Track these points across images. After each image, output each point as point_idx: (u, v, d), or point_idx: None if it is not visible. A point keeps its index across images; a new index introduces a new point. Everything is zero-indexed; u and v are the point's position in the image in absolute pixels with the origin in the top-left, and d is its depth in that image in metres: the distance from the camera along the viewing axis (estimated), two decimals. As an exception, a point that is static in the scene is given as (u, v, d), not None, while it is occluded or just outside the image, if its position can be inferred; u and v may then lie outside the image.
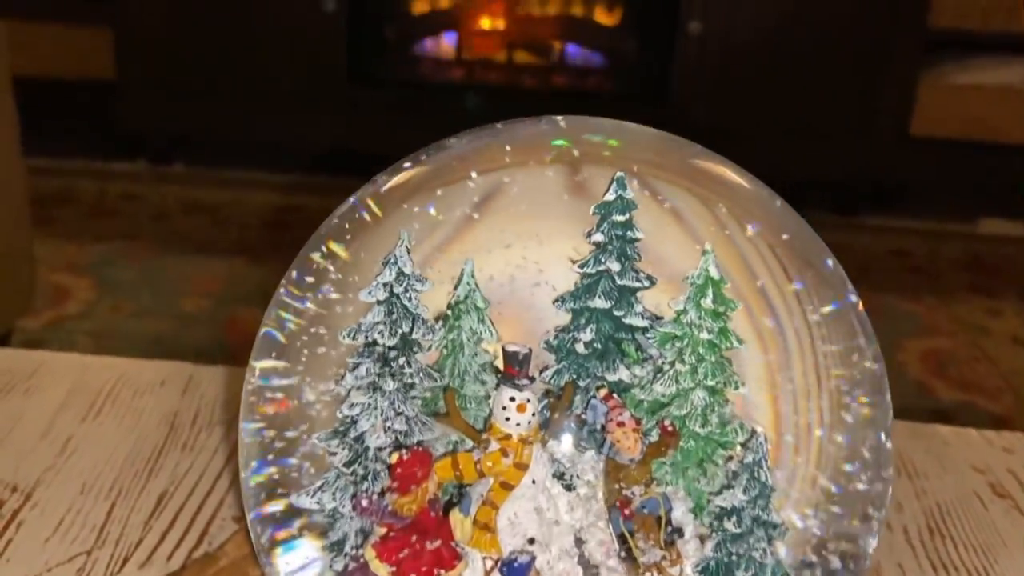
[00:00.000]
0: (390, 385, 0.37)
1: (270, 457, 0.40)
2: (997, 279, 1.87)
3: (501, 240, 0.41)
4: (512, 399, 0.36)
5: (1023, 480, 0.52)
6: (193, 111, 2.09)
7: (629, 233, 0.40)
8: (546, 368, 0.40)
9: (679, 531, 0.38)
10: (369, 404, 0.37)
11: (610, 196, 0.40)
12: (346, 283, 0.40)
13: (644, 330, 0.40)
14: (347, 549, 0.39)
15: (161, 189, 2.05)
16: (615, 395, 0.39)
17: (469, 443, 0.38)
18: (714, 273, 0.38)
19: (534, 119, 0.44)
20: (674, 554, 0.37)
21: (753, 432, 0.39)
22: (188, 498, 0.43)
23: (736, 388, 0.39)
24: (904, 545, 0.47)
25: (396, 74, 2.14)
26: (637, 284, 0.40)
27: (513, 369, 0.37)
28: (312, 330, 0.40)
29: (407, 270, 0.37)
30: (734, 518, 0.37)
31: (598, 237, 0.40)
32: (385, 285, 0.37)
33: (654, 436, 0.38)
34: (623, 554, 0.37)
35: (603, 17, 2.15)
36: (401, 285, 0.37)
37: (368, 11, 2.08)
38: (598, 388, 0.39)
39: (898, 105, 2.03)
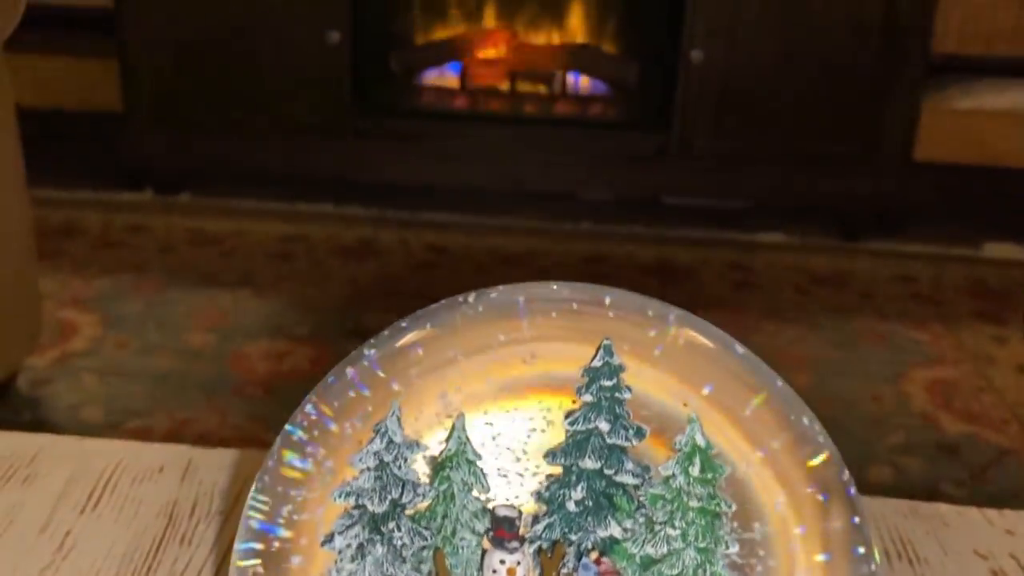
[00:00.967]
0: (379, 550, 0.37)
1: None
2: (1002, 305, 1.87)
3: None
4: (502, 562, 0.37)
5: None
6: (199, 142, 2.10)
7: (617, 394, 0.40)
8: (536, 520, 0.41)
9: None
10: (357, 571, 0.37)
11: (597, 362, 0.40)
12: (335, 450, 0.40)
13: (636, 486, 0.41)
14: None
15: (167, 220, 2.06)
16: (606, 557, 0.39)
17: None
18: (700, 441, 0.39)
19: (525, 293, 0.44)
20: None
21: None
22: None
23: (727, 548, 0.39)
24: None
25: (400, 104, 2.15)
26: (626, 443, 0.40)
27: (503, 532, 0.37)
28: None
29: (397, 439, 0.38)
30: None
31: (587, 397, 0.41)
32: (375, 454, 0.38)
33: None
34: None
35: (605, 46, 2.16)
36: (391, 454, 0.38)
37: (372, 42, 2.09)
38: (589, 551, 0.39)
39: (901, 130, 2.03)
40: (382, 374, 0.41)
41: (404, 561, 0.37)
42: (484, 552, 0.38)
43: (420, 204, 2.17)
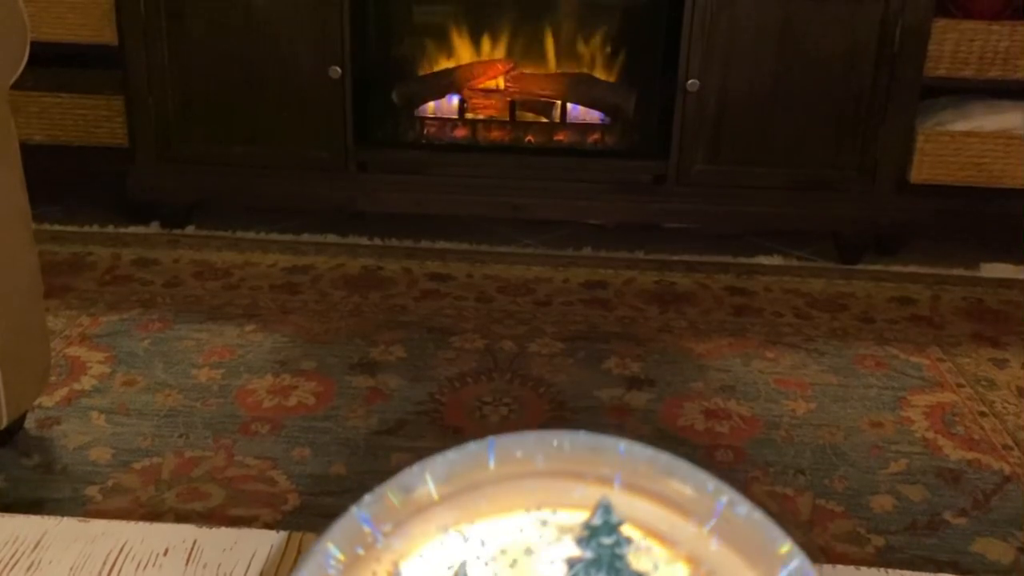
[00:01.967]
0: None
1: None
2: (1000, 327, 1.88)
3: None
4: None
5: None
6: (204, 175, 2.13)
7: (617, 550, 0.41)
8: None
9: None
10: None
11: (596, 520, 0.41)
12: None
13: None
14: None
15: (174, 253, 2.08)
16: None
17: None
18: None
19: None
20: None
21: None
22: None
23: None
24: None
25: (401, 136, 2.18)
26: None
27: None
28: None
29: None
30: None
31: (588, 554, 0.41)
32: None
33: None
34: None
35: (603, 75, 2.18)
36: None
37: (373, 76, 2.12)
38: None
39: (896, 153, 2.05)
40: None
41: None
42: None
43: (423, 233, 2.20)
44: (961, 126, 2.07)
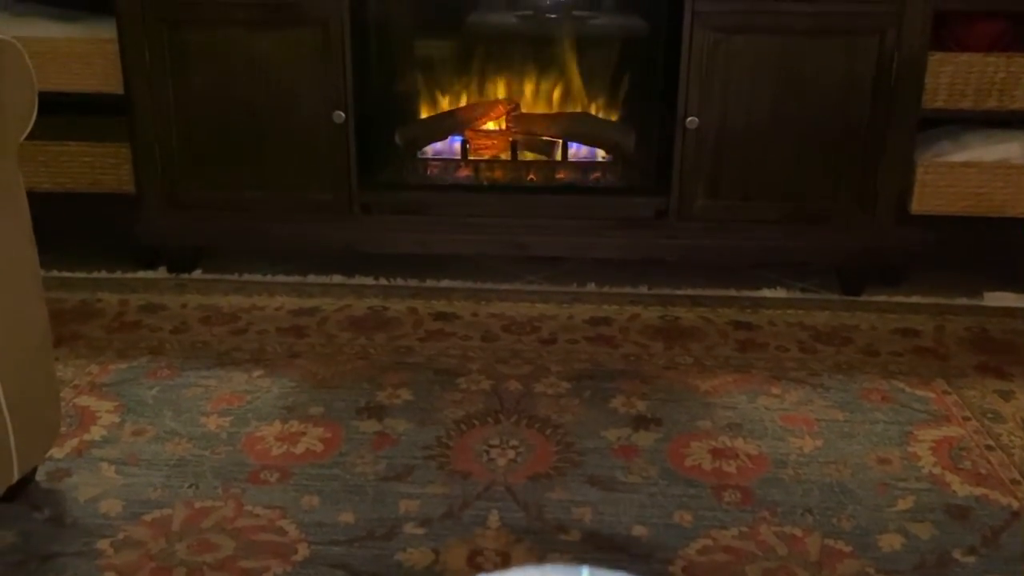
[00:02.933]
0: None
1: None
2: (1005, 357, 1.89)
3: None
4: None
5: None
6: (210, 220, 2.15)
7: None
8: None
9: None
10: None
11: None
12: None
13: None
14: None
15: (181, 298, 2.10)
16: None
17: None
18: None
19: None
20: None
21: None
22: None
23: None
24: None
25: (405, 177, 2.20)
26: None
27: None
28: None
29: None
30: None
31: None
32: None
33: None
34: None
35: (602, 114, 2.20)
36: None
37: (376, 119, 2.15)
38: None
39: (896, 185, 2.06)
40: None
41: None
42: None
43: (428, 272, 2.21)
44: (960, 157, 2.08)
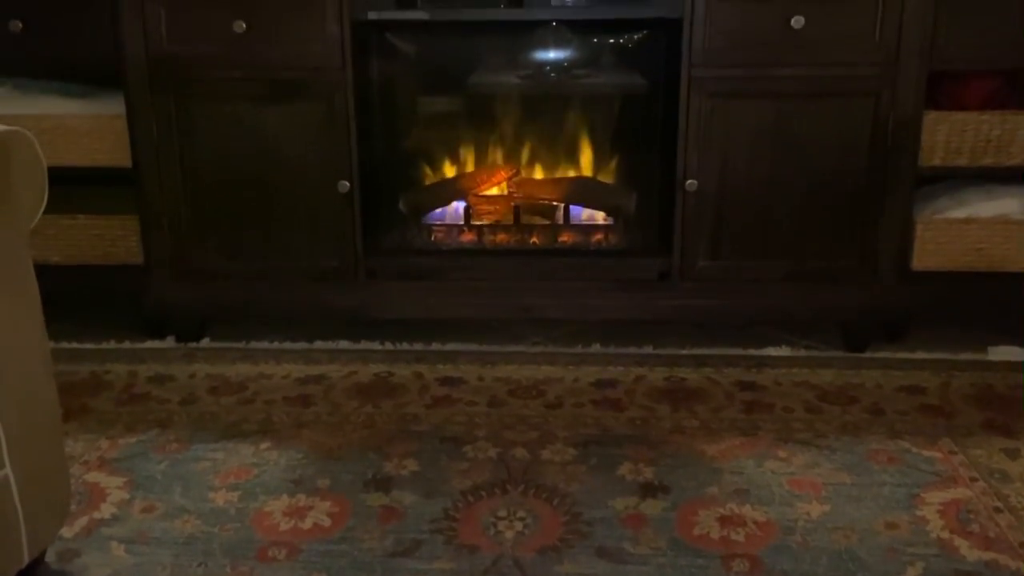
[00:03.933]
0: None
1: None
2: (1010, 413, 1.89)
3: None
4: None
5: None
6: (217, 289, 2.18)
7: None
8: None
9: None
10: None
11: None
12: None
13: None
14: None
15: (190, 368, 2.12)
16: None
17: None
18: None
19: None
20: None
21: None
22: None
23: None
24: None
25: (409, 243, 2.23)
26: None
27: None
28: None
29: None
30: None
31: None
32: None
33: None
34: None
35: (603, 177, 2.24)
36: None
37: (381, 186, 2.18)
38: None
39: (897, 242, 2.08)
40: None
41: None
42: None
43: (433, 335, 2.23)
44: (959, 213, 2.10)
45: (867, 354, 2.16)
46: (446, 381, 2.05)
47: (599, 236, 2.22)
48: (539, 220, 2.22)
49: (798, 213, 2.07)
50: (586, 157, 2.25)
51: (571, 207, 2.20)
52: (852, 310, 2.13)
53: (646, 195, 2.19)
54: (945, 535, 1.51)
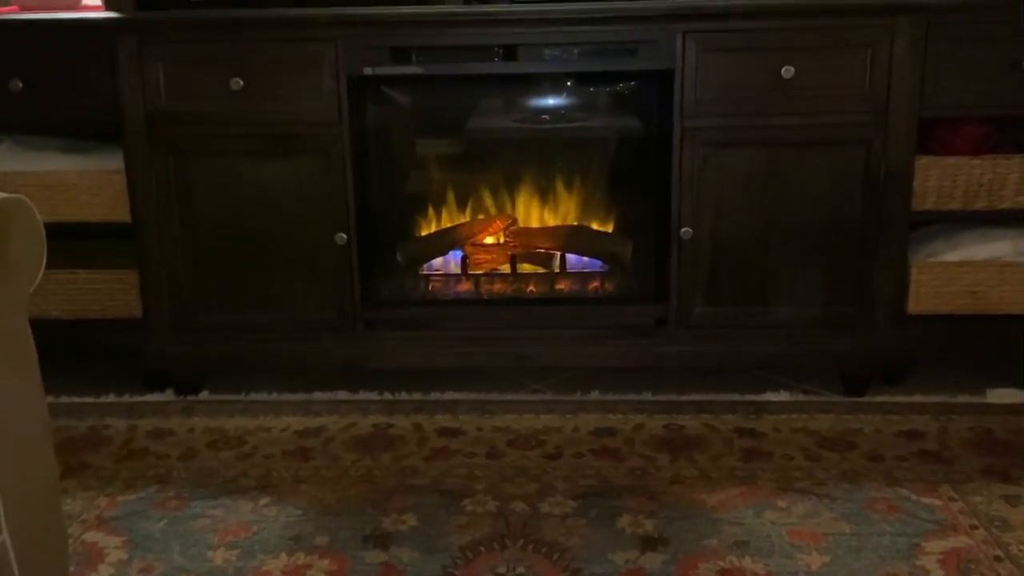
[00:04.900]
0: None
1: None
2: (1010, 459, 1.89)
3: None
4: None
5: None
6: (216, 342, 2.18)
7: None
8: None
9: None
10: None
11: None
12: None
13: None
14: None
15: (189, 422, 2.12)
16: None
17: None
18: None
19: None
20: None
21: None
22: None
23: None
24: None
25: (407, 293, 2.24)
26: None
27: None
28: None
29: None
30: None
31: None
32: None
33: None
34: None
35: (599, 225, 2.25)
36: None
37: (378, 237, 2.20)
38: None
39: (892, 286, 2.09)
40: None
41: None
42: None
43: (432, 384, 2.23)
44: (953, 256, 2.11)
45: (866, 398, 2.16)
46: (445, 432, 2.05)
47: (595, 284, 2.23)
48: (536, 268, 2.23)
49: (793, 259, 2.08)
50: (582, 205, 2.26)
51: (567, 256, 2.21)
52: (850, 354, 2.13)
53: (642, 242, 2.20)
54: (946, 587, 1.50)
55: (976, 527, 1.66)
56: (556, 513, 1.73)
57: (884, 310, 2.10)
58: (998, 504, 1.73)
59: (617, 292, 2.22)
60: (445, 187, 2.27)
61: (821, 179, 2.03)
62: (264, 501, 1.79)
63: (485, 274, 2.23)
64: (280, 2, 2.11)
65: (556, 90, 2.21)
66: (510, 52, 2.01)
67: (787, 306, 2.11)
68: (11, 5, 2.32)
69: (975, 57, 1.98)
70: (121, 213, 2.16)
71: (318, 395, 2.23)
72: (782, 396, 2.17)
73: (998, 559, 1.57)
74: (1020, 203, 2.07)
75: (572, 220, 2.26)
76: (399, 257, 2.23)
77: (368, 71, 2.01)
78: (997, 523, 1.67)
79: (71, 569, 1.56)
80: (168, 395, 2.25)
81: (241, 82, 2.02)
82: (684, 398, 2.18)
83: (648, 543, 1.63)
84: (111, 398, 2.25)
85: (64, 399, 2.23)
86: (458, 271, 2.23)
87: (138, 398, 2.25)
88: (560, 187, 2.26)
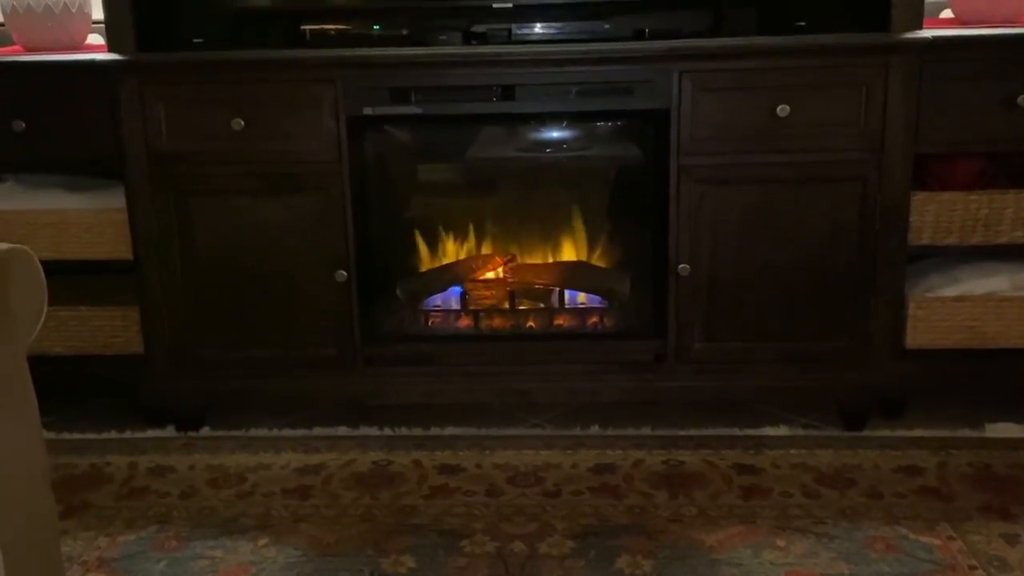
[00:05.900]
0: None
1: None
2: (1009, 495, 1.88)
3: None
4: None
5: None
6: (217, 379, 2.20)
7: None
8: None
9: None
10: None
11: None
12: None
13: None
14: None
15: (189, 459, 2.13)
16: None
17: None
18: None
19: None
20: None
21: None
22: None
23: None
24: None
25: (407, 330, 2.25)
26: None
27: None
28: None
29: None
30: None
31: None
32: None
33: None
34: None
35: (597, 261, 2.26)
36: None
37: (378, 274, 2.21)
38: None
39: (890, 322, 2.10)
40: None
41: None
42: None
43: (432, 420, 2.24)
44: (950, 291, 2.12)
45: (865, 432, 2.16)
46: (444, 469, 2.05)
47: (594, 319, 2.24)
48: (535, 304, 2.24)
49: (791, 295, 2.09)
50: (580, 241, 2.27)
51: (566, 291, 2.22)
52: (848, 389, 2.14)
53: (640, 278, 2.21)
54: (945, 630, 1.50)
55: (975, 567, 1.66)
56: (555, 554, 1.73)
57: (882, 345, 2.11)
58: (997, 543, 1.73)
59: (616, 328, 2.23)
60: (445, 223, 2.28)
61: (818, 215, 2.05)
62: (263, 541, 1.80)
63: (484, 310, 2.24)
64: (281, 44, 2.13)
65: (553, 128, 2.22)
66: (508, 92, 2.03)
67: (785, 341, 2.12)
68: (14, 45, 2.35)
69: (969, 94, 2.00)
70: (123, 251, 2.18)
71: (318, 431, 2.24)
72: (781, 430, 2.18)
73: (997, 600, 1.57)
74: (1017, 237, 2.08)
75: (570, 256, 2.27)
76: (399, 294, 2.25)
77: (368, 111, 2.03)
78: (996, 563, 1.67)
79: (71, 613, 1.56)
80: (169, 431, 2.26)
81: (242, 122, 2.04)
82: (683, 433, 2.18)
83: (646, 585, 1.63)
84: (112, 434, 2.25)
85: (65, 435, 2.24)
86: (458, 307, 2.24)
87: (139, 434, 2.25)
88: (558, 224, 2.28)
